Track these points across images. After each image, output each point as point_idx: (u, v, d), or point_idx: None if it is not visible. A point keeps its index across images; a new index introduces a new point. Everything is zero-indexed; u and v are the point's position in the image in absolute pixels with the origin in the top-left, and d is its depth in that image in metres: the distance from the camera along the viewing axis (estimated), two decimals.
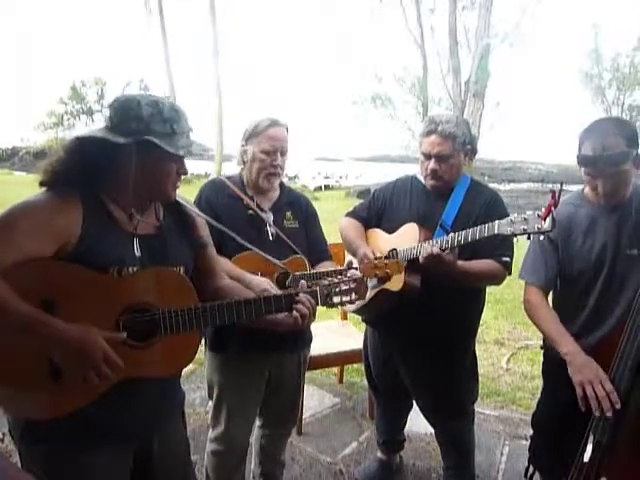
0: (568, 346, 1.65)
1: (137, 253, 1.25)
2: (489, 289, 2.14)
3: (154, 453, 1.33)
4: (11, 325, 1.08)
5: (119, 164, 1.22)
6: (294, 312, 1.36)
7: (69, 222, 1.16)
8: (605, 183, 1.61)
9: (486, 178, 18.61)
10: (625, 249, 1.65)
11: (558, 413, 1.82)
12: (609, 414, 1.52)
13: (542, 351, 1.97)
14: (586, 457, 1.68)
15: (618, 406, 1.52)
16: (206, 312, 1.25)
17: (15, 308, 1.06)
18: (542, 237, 1.56)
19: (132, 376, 1.20)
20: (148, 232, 1.30)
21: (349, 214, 2.26)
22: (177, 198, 1.41)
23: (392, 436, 2.46)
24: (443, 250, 1.77)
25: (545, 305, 1.77)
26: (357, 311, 2.21)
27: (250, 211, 1.88)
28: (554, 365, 1.87)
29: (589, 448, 1.69)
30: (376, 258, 1.92)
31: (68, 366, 1.12)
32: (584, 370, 1.58)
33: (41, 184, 1.21)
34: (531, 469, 1.94)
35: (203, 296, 1.34)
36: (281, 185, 2.01)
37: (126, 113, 1.19)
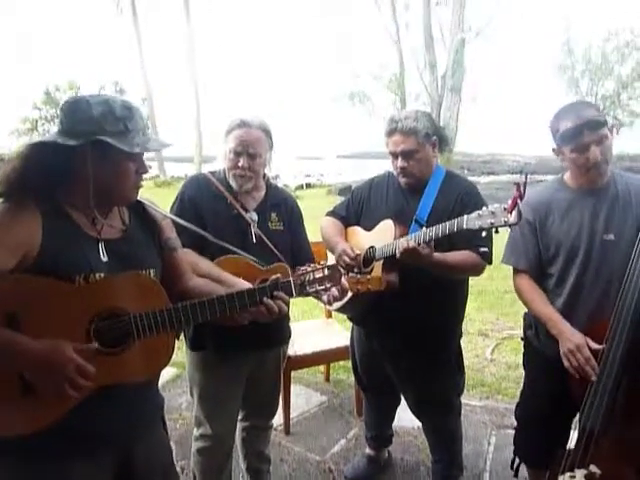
0: (558, 325, 1.69)
1: (104, 258, 1.21)
2: (471, 281, 2.15)
3: (135, 461, 1.29)
4: None
5: (75, 168, 1.18)
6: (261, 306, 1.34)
7: (28, 233, 1.12)
8: (594, 151, 1.61)
9: (465, 171, 18.79)
10: (602, 234, 1.67)
11: (541, 404, 1.83)
12: (593, 378, 1.57)
13: (523, 342, 1.97)
14: (571, 444, 1.70)
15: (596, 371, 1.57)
16: (178, 312, 1.23)
17: None
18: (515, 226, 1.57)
19: (108, 383, 1.16)
20: (114, 236, 1.27)
21: (329, 213, 2.27)
22: (141, 200, 1.37)
23: (380, 431, 2.46)
24: (418, 245, 1.77)
25: (535, 288, 1.79)
26: (340, 309, 2.20)
27: (234, 211, 1.85)
28: (535, 356, 1.89)
29: (574, 435, 1.71)
30: (356, 260, 1.94)
31: (40, 382, 1.09)
32: (567, 342, 1.63)
33: None
34: (517, 460, 1.95)
35: (173, 298, 1.31)
36: (267, 184, 1.97)
37: (76, 115, 1.16)
